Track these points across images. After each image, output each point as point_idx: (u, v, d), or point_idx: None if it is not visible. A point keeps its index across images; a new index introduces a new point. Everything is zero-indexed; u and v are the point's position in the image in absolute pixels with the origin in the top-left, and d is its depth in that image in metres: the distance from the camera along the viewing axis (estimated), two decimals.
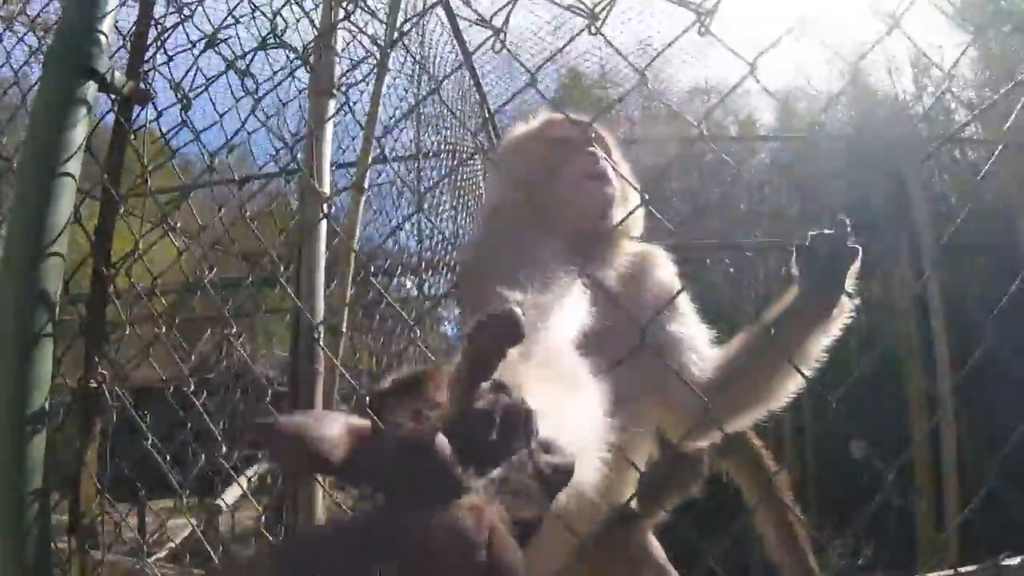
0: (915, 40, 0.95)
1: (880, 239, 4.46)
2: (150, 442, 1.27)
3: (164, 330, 1.47)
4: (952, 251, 4.48)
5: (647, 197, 1.00)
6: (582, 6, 0.95)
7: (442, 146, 3.41)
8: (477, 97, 4.40)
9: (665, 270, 1.33)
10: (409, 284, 3.44)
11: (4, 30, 2.38)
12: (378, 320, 3.09)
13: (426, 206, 2.75)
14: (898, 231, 4.48)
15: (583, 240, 1.22)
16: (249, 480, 3.00)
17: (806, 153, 5.14)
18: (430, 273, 3.37)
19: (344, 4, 1.63)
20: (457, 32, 3.37)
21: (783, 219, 5.15)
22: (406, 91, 2.68)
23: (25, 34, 2.41)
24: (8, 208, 1.38)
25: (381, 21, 1.80)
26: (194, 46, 1.60)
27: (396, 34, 1.75)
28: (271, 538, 1.89)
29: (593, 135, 1.29)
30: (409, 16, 2.02)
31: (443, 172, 3.41)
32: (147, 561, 1.35)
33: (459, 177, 3.74)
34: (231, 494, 3.33)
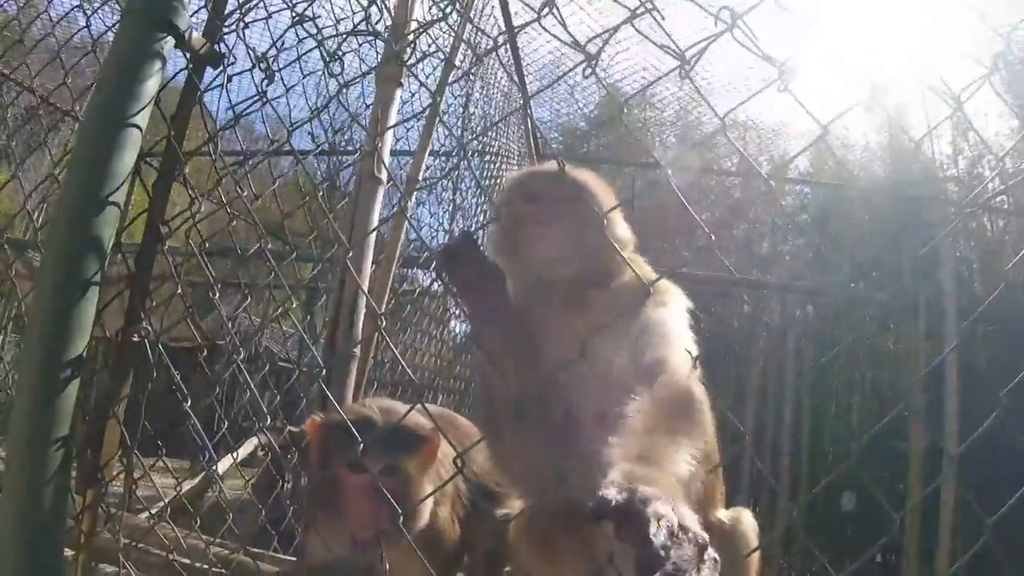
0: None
1: (902, 294, 4.45)
2: (188, 403, 1.26)
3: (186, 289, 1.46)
4: (970, 315, 4.47)
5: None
6: (579, 45, 0.95)
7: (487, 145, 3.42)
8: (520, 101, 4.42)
9: (653, 303, 1.26)
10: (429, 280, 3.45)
11: None
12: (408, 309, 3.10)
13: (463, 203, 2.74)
14: (918, 288, 4.46)
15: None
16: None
17: (835, 200, 5.14)
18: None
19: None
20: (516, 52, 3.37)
21: (803, 261, 5.14)
22: (462, 88, 2.68)
23: None
24: (71, 151, 1.36)
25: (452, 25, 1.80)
26: (270, 16, 1.61)
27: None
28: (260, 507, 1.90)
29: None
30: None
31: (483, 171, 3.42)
32: (167, 521, 1.33)
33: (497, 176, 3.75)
34: (227, 461, 3.32)
